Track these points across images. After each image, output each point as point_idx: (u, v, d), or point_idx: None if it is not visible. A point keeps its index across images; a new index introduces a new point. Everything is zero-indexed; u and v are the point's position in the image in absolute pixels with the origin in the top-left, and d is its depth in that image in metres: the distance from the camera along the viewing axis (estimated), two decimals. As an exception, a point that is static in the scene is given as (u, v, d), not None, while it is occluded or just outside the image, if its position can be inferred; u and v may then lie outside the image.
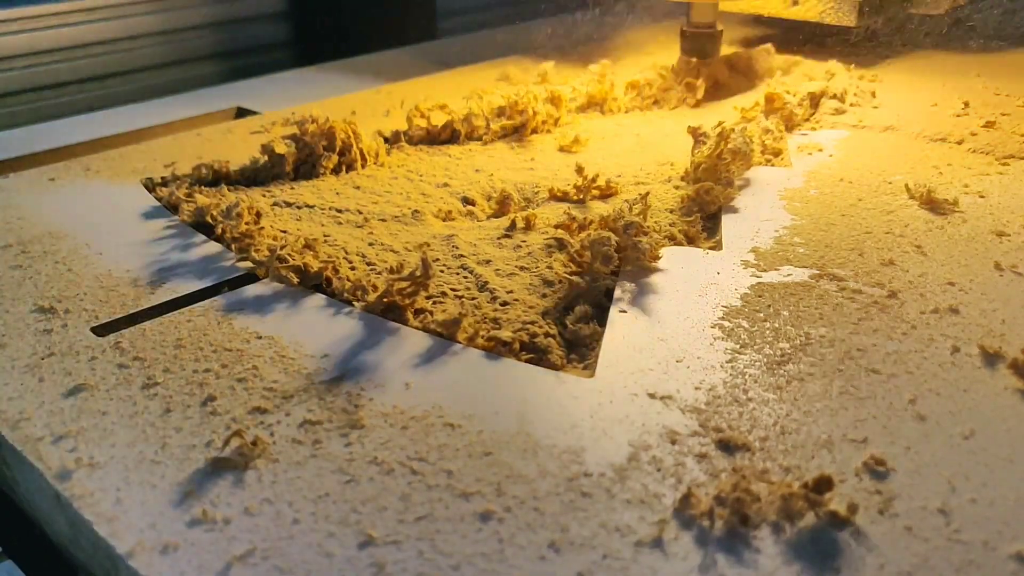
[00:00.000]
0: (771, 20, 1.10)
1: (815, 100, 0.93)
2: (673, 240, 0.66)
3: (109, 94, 1.24)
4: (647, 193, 0.66)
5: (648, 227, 0.64)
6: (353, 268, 0.62)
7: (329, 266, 0.61)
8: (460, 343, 0.54)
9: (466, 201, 0.74)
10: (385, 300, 0.57)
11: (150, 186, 0.77)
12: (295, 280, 0.61)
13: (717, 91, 1.01)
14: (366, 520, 0.41)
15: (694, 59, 1.00)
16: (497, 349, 0.53)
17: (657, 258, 0.63)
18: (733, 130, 0.77)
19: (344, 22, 1.41)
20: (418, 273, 0.57)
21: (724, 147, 0.74)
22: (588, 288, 0.58)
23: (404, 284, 0.57)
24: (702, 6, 0.98)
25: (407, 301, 0.57)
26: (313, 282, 0.61)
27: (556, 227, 0.66)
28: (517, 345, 0.53)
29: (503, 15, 1.65)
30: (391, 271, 0.59)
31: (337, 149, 0.80)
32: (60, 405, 0.49)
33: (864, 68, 1.08)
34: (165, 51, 1.28)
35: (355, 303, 0.58)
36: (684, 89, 0.99)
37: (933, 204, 0.70)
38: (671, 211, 0.70)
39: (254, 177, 0.79)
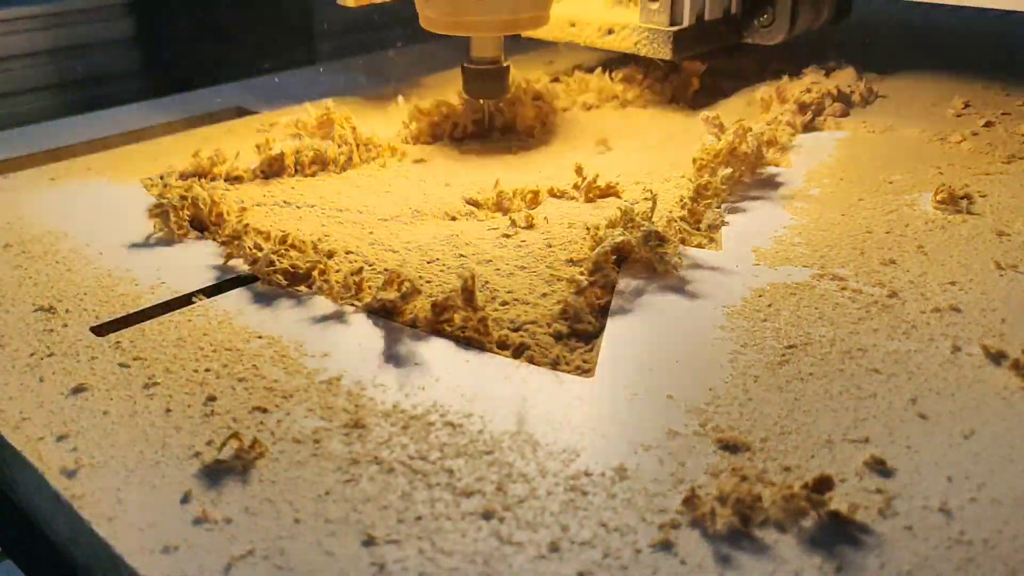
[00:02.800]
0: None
1: (818, 102, 0.92)
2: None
3: None
4: (656, 195, 0.65)
5: (667, 234, 0.63)
6: (359, 271, 0.62)
7: (316, 267, 0.61)
8: (457, 338, 0.54)
9: (466, 201, 0.74)
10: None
11: (149, 185, 0.77)
12: (283, 283, 0.60)
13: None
14: (367, 519, 0.41)
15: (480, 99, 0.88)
16: (498, 349, 0.53)
17: (678, 268, 0.62)
18: (751, 128, 0.77)
19: (199, 50, 1.26)
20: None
21: (741, 146, 0.74)
22: (588, 288, 0.58)
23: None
24: (483, 39, 0.84)
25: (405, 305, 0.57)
26: (302, 282, 0.61)
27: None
28: (517, 345, 0.53)
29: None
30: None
31: (336, 142, 0.81)
32: (60, 405, 0.49)
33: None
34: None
35: (356, 303, 0.58)
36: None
37: (952, 198, 0.70)
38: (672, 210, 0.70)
39: (261, 174, 0.79)
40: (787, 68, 0.99)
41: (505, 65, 0.85)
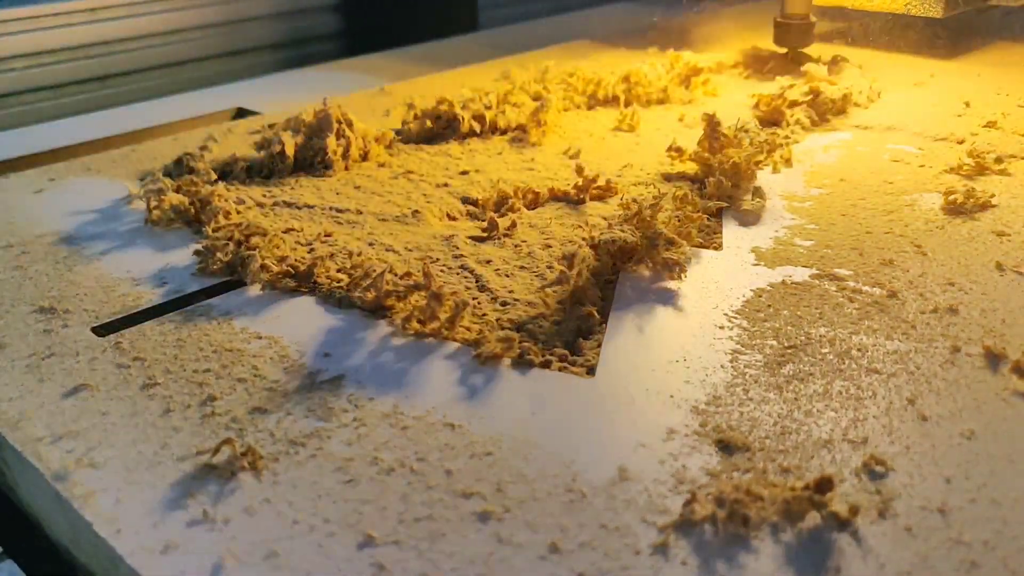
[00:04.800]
0: (850, 11, 1.11)
1: (819, 103, 0.92)
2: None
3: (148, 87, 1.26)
4: (660, 196, 0.65)
5: (674, 236, 0.62)
6: (353, 269, 0.62)
7: (309, 266, 0.61)
8: (466, 345, 0.54)
9: (466, 201, 0.74)
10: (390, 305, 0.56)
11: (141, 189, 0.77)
12: (278, 283, 0.60)
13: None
14: (366, 520, 0.41)
15: (786, 49, 1.07)
16: (498, 349, 0.53)
17: (683, 273, 0.61)
18: (754, 131, 0.77)
19: (387, 15, 1.45)
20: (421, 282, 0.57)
21: (747, 150, 0.75)
22: (587, 288, 0.58)
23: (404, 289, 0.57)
24: None
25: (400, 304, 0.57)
26: (301, 282, 0.61)
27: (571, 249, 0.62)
28: (517, 345, 0.53)
29: (549, 6, 1.67)
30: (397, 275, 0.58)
31: (335, 136, 0.81)
32: (60, 405, 0.49)
33: (943, 60, 1.10)
34: (227, 40, 1.32)
35: (360, 303, 0.58)
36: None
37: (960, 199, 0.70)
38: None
39: (259, 172, 0.79)
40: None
41: (813, 21, 1.06)
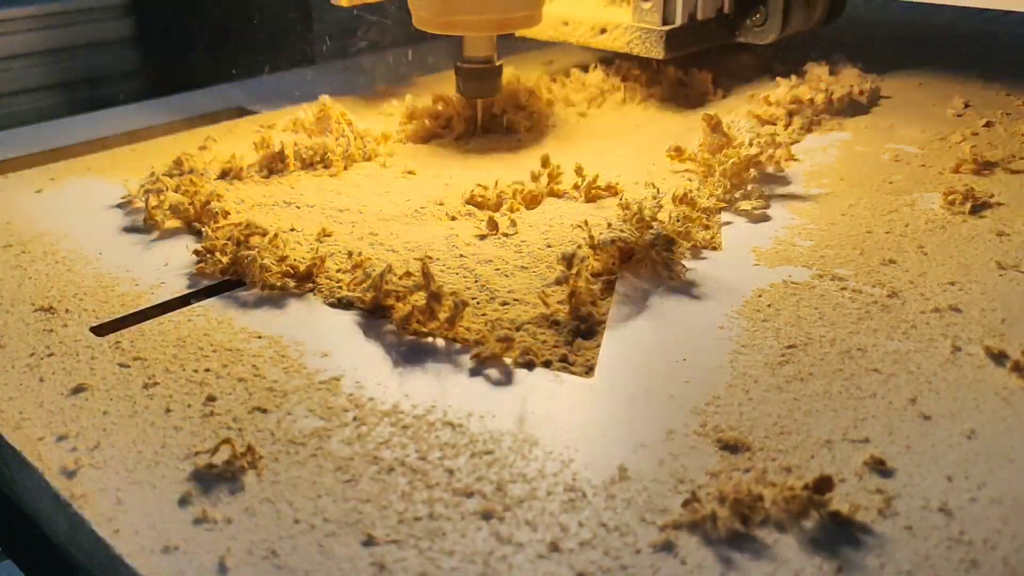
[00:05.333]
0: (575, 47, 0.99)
1: (822, 104, 0.92)
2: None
3: None
4: (660, 196, 0.65)
5: (674, 236, 0.62)
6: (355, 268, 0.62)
7: (309, 266, 0.61)
8: (466, 345, 0.54)
9: (466, 201, 0.73)
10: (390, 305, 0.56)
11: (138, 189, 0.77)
12: (279, 285, 0.60)
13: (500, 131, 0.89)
14: (367, 519, 0.41)
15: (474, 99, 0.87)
16: (498, 349, 0.53)
17: (683, 275, 0.61)
18: (760, 135, 0.77)
19: (197, 49, 1.22)
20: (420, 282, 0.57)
21: (747, 150, 0.75)
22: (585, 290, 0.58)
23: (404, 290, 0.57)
24: (476, 39, 0.84)
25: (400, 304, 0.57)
26: (301, 282, 0.61)
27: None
28: (517, 345, 0.53)
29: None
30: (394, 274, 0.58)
31: (335, 134, 0.81)
32: (60, 405, 0.49)
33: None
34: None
35: (359, 303, 0.58)
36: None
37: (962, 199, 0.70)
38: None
39: (259, 172, 0.79)
40: (790, 66, 0.99)
41: (498, 64, 0.85)
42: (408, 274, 0.58)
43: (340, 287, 0.60)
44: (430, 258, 0.62)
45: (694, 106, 0.95)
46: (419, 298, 0.56)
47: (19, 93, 1.13)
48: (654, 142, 0.86)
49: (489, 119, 0.89)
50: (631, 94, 0.97)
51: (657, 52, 0.90)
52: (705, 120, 0.79)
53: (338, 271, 0.62)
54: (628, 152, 0.84)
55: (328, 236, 0.67)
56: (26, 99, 1.12)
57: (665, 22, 0.91)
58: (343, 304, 0.59)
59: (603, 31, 0.93)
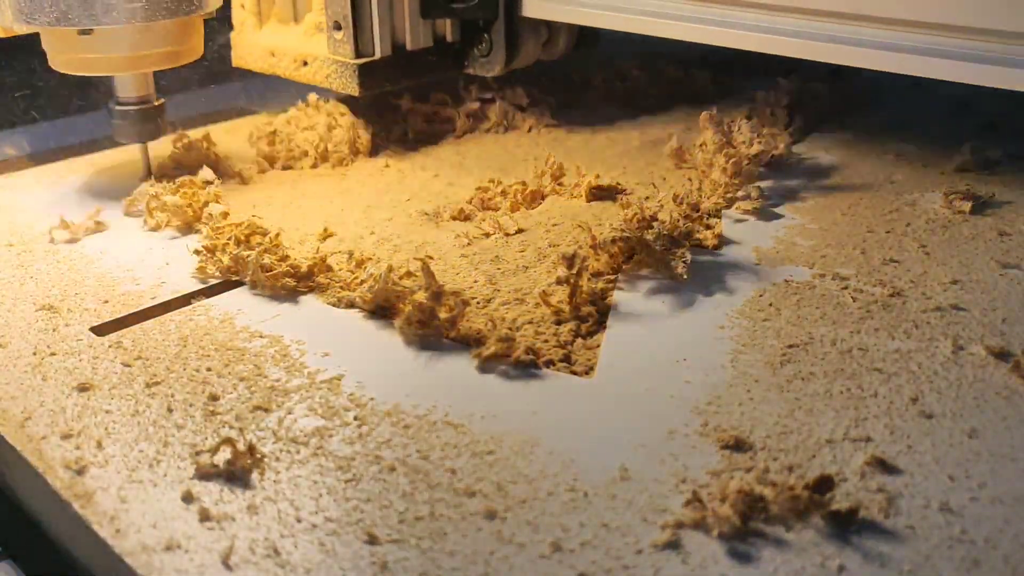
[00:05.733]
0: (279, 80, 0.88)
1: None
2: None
3: None
4: (662, 192, 0.65)
5: (675, 236, 0.62)
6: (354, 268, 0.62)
7: (311, 266, 0.61)
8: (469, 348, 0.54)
9: (467, 201, 0.73)
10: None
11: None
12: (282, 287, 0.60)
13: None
14: (368, 519, 0.41)
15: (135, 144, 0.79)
16: (500, 348, 0.53)
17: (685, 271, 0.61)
18: (762, 134, 0.77)
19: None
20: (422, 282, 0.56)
21: (754, 152, 0.75)
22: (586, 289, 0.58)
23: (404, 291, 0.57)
24: (124, 77, 0.75)
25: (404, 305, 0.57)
26: (302, 281, 0.61)
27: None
28: (519, 345, 0.53)
29: None
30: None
31: (327, 129, 0.81)
32: (62, 404, 0.49)
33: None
34: None
35: (360, 303, 0.58)
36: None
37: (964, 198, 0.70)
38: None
39: (260, 169, 0.79)
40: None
41: (157, 103, 0.77)
42: (409, 274, 0.58)
43: (342, 287, 0.60)
44: (431, 258, 0.62)
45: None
46: (420, 298, 0.56)
47: None
48: (656, 142, 0.86)
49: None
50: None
51: (352, 88, 0.80)
52: (706, 119, 0.79)
53: (340, 271, 0.62)
54: (627, 152, 0.84)
55: (331, 236, 0.67)
56: None
57: (360, 54, 0.79)
58: (345, 304, 0.59)
59: (305, 63, 0.83)
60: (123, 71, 0.75)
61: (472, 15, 0.82)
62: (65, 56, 0.73)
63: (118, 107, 0.76)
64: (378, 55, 0.80)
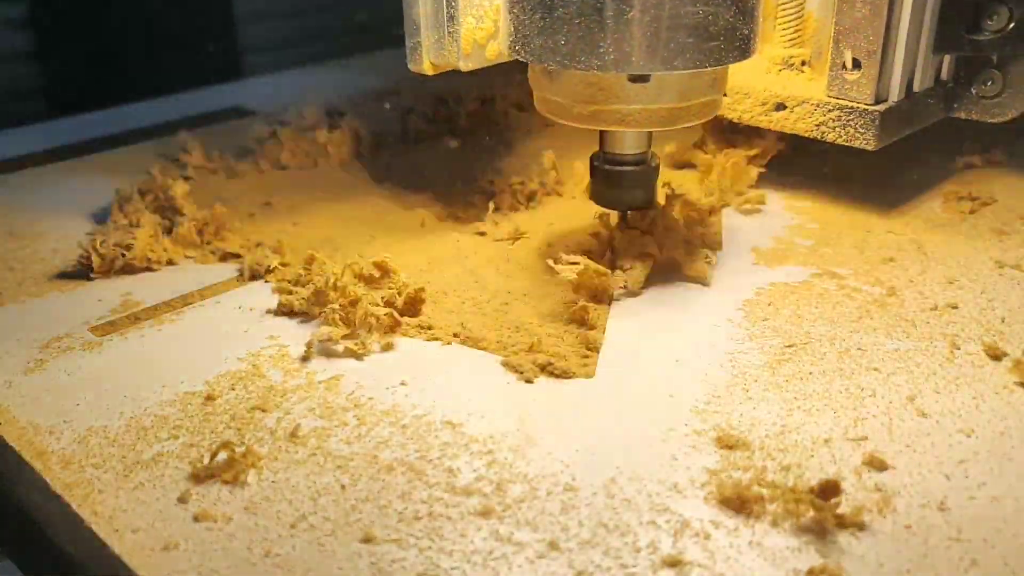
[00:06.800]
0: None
1: None
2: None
3: None
4: (680, 195, 0.64)
5: (690, 236, 0.61)
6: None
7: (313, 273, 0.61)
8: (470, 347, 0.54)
9: (467, 201, 0.74)
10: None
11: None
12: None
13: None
14: (366, 518, 0.41)
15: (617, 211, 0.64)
16: (499, 348, 0.53)
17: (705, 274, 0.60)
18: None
19: (108, 64, 1.11)
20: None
21: (753, 153, 0.74)
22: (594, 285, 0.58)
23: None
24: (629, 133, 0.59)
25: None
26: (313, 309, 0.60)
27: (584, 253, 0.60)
28: (518, 345, 0.53)
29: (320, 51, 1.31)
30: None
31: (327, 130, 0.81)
32: (60, 404, 0.49)
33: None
34: None
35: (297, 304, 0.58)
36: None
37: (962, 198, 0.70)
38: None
39: (258, 168, 0.79)
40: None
41: (654, 164, 0.62)
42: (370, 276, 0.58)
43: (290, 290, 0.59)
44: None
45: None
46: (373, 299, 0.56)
47: None
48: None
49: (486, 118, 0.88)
50: None
51: (866, 140, 0.65)
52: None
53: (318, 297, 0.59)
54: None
55: (331, 240, 0.67)
56: None
57: (878, 99, 0.65)
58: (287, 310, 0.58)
59: (781, 107, 0.68)
60: (655, 127, 0.58)
61: (997, 49, 0.65)
62: (584, 108, 0.56)
63: (605, 167, 0.61)
64: (894, 99, 0.66)
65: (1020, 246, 0.64)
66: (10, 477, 0.49)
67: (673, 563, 0.38)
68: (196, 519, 0.41)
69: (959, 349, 0.53)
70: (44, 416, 0.48)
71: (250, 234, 0.68)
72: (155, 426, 0.47)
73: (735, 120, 0.72)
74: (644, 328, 0.56)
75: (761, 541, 0.39)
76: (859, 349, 0.53)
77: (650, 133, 0.60)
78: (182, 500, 0.42)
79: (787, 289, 0.59)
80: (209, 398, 0.49)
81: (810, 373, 0.51)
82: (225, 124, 0.95)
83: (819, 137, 0.68)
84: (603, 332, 0.55)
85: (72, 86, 1.09)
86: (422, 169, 0.81)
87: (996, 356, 0.52)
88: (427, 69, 0.63)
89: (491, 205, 0.72)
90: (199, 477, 0.43)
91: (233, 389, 0.50)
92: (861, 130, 0.65)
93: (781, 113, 0.69)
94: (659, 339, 0.55)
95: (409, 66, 0.63)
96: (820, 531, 0.40)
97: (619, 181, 0.61)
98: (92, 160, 0.85)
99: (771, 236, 0.67)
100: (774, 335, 0.54)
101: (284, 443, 0.46)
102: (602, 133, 0.60)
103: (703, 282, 0.60)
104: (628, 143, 0.60)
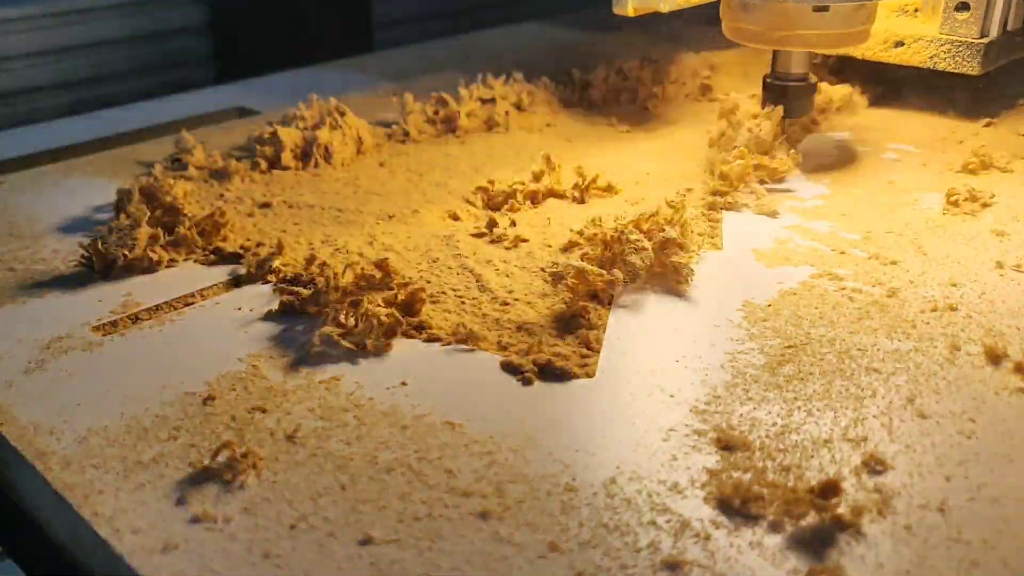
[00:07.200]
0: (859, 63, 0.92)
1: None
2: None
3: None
4: (684, 195, 0.64)
5: (686, 242, 0.61)
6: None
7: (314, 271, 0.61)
8: (468, 347, 0.54)
9: (466, 201, 0.74)
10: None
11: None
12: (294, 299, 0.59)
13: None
14: (366, 519, 0.41)
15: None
16: (498, 349, 0.53)
17: (690, 277, 0.60)
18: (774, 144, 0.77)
19: (265, 37, 1.30)
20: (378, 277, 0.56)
21: (759, 161, 0.75)
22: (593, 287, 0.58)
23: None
24: (792, 53, 0.79)
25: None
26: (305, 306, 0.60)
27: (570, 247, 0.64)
28: (517, 345, 0.53)
29: (451, 25, 1.50)
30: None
31: (328, 128, 0.81)
32: (60, 404, 0.49)
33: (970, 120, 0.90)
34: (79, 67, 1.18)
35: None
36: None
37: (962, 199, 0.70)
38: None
39: (257, 168, 0.79)
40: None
41: (813, 82, 0.81)
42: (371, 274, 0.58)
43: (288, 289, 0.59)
44: (432, 257, 0.62)
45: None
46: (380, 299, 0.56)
47: (106, 78, 1.20)
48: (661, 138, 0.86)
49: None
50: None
51: (971, 67, 0.84)
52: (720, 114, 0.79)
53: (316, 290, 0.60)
54: (625, 150, 0.84)
55: (328, 236, 0.67)
56: (110, 85, 1.20)
57: (982, 35, 0.84)
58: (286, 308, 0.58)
59: (899, 44, 0.86)
60: (826, 49, 0.79)
61: None
62: (774, 32, 0.75)
63: (775, 83, 0.80)
64: (994, 35, 0.84)
65: (1020, 247, 0.64)
66: (10, 477, 0.49)
67: (673, 564, 0.38)
68: (196, 519, 0.41)
69: (959, 350, 0.53)
70: (44, 416, 0.48)
71: (250, 234, 0.68)
72: (155, 426, 0.47)
73: (859, 57, 0.90)
74: (644, 328, 0.56)
75: (761, 541, 0.39)
76: (859, 350, 0.53)
77: (810, 57, 0.81)
78: (182, 501, 0.42)
79: (787, 290, 0.59)
80: (209, 398, 0.49)
81: (810, 374, 0.51)
82: (225, 124, 0.95)
83: (931, 67, 0.85)
84: (603, 332, 0.55)
85: (235, 54, 1.31)
86: (422, 169, 0.81)
87: (996, 357, 0.52)
88: (630, 11, 0.79)
89: (488, 205, 0.72)
90: (199, 478, 0.43)
91: (233, 389, 0.50)
92: (968, 59, 0.84)
93: (899, 49, 0.87)
94: (659, 339, 0.55)
95: (614, 9, 0.80)
96: (820, 532, 0.40)
97: (785, 94, 0.80)
98: (92, 160, 0.85)
99: (771, 236, 0.67)
100: (774, 335, 0.54)
101: (284, 444, 0.46)
102: (774, 56, 0.79)
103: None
104: (794, 64, 0.79)
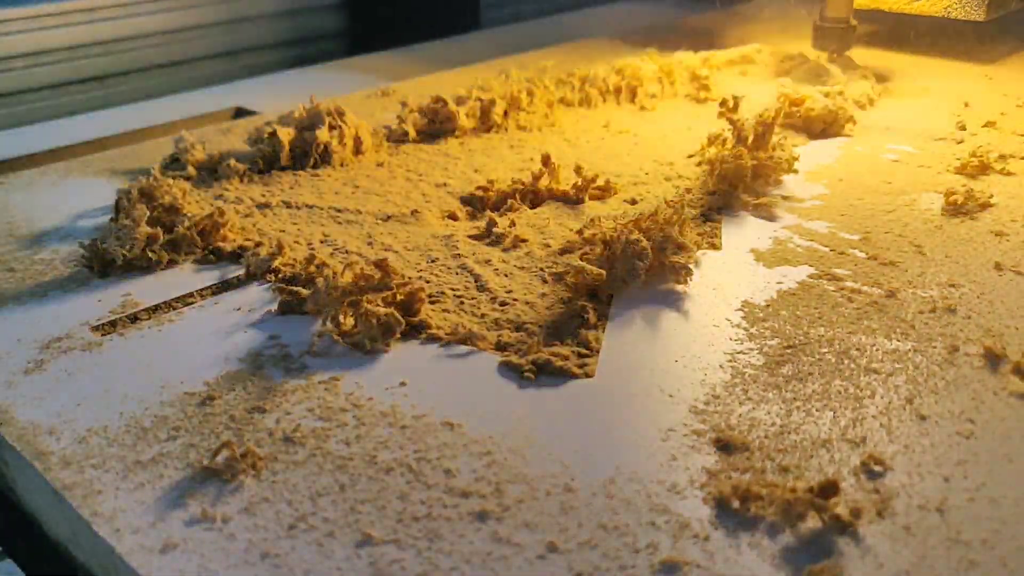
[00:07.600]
0: (879, 14, 1.11)
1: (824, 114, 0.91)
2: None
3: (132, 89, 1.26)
4: (684, 195, 0.64)
5: (685, 242, 0.61)
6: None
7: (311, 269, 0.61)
8: (466, 346, 0.54)
9: (465, 201, 0.74)
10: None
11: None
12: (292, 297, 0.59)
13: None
14: (365, 519, 0.41)
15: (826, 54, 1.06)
16: (497, 349, 0.53)
17: (688, 277, 0.60)
18: (773, 143, 0.77)
19: (390, 14, 1.46)
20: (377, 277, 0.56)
21: (759, 157, 0.74)
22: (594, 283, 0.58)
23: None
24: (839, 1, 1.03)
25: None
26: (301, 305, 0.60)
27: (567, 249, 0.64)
28: (516, 345, 0.53)
29: (552, 4, 1.67)
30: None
31: (327, 128, 0.81)
32: (60, 404, 0.49)
33: (983, 64, 1.09)
34: (227, 40, 1.34)
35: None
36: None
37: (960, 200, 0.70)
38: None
39: (255, 168, 0.79)
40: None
41: (853, 24, 1.04)
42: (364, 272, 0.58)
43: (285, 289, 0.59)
44: (431, 257, 0.62)
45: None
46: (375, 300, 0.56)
47: (252, 49, 1.38)
48: (655, 141, 0.86)
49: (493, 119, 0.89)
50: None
51: (978, 14, 1.00)
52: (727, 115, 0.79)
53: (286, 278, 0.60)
54: (627, 152, 0.84)
55: (327, 236, 0.67)
56: (252, 56, 1.38)
57: None
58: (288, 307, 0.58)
59: None
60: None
61: None
62: None
63: (822, 24, 1.04)
64: None
65: (1019, 248, 0.64)
66: (10, 477, 0.49)
67: (672, 564, 0.38)
68: (195, 519, 0.41)
69: (958, 351, 0.53)
70: (44, 416, 0.48)
71: (249, 234, 0.68)
72: (155, 426, 0.47)
73: (886, 9, 1.08)
74: (644, 328, 0.56)
75: (760, 542, 0.39)
76: (858, 350, 0.53)
77: (851, 5, 1.04)
78: (181, 501, 0.42)
79: (786, 290, 0.59)
80: (209, 398, 0.49)
81: (809, 374, 0.51)
82: (224, 124, 0.95)
83: (945, 15, 1.04)
84: (602, 332, 0.55)
85: (364, 30, 1.48)
86: (421, 169, 0.81)
87: (995, 358, 0.52)
88: None
89: (488, 205, 0.72)
90: (198, 478, 0.44)
91: (233, 389, 0.50)
92: (975, 7, 1.01)
93: (920, 2, 1.05)
94: (659, 339, 0.55)
95: None
96: (819, 532, 0.40)
97: (832, 34, 1.04)
98: (92, 160, 0.86)
99: (770, 236, 0.67)
100: (773, 336, 0.54)
101: (283, 444, 0.46)
102: (824, 3, 1.04)
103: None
104: (841, 9, 1.03)
